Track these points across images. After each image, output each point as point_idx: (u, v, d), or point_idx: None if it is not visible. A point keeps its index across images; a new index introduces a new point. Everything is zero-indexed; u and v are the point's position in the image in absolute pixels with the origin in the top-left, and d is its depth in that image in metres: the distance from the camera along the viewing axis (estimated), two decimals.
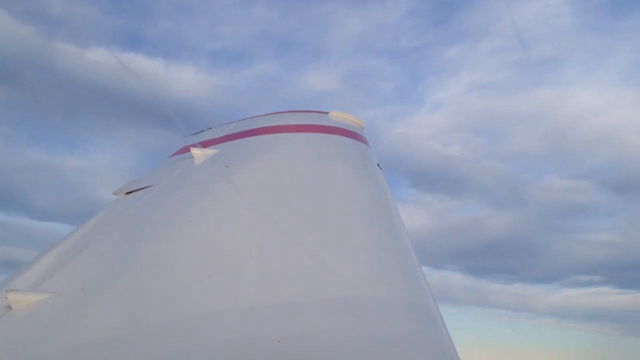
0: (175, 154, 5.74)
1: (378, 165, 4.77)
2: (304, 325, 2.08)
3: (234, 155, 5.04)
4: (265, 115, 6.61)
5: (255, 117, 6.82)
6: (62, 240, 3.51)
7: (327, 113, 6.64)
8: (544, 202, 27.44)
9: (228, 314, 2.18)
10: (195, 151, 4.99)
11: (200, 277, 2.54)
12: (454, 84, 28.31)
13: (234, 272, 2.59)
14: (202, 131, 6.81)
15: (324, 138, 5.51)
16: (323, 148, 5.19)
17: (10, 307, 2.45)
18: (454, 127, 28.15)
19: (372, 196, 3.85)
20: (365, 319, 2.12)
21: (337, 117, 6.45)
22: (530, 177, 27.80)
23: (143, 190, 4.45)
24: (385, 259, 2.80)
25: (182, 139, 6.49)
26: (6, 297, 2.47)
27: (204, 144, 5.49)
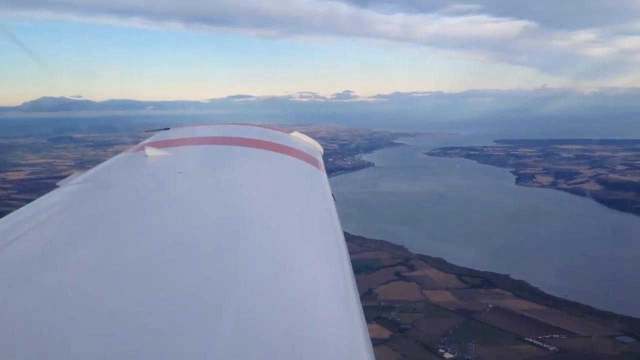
0: (130, 149, 5.56)
1: (333, 196, 4.59)
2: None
3: (189, 162, 5.00)
4: (227, 124, 6.79)
5: (216, 124, 6.91)
6: None
7: (289, 133, 6.61)
8: None
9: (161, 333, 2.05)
10: (150, 150, 4.81)
11: (134, 287, 2.40)
12: None
13: (169, 285, 2.45)
14: (160, 130, 6.62)
15: (282, 159, 5.42)
16: (279, 169, 5.14)
17: None
18: None
19: (320, 226, 3.65)
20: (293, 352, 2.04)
21: (299, 139, 6.41)
22: None
23: (89, 184, 4.31)
24: (322, 295, 2.63)
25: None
26: None
27: (160, 144, 5.27)
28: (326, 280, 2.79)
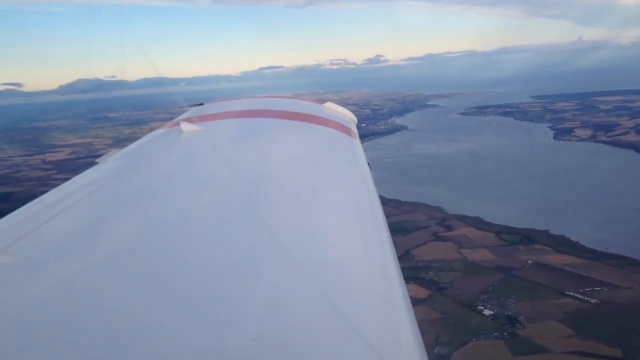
0: (166, 126, 5.66)
1: (368, 163, 4.63)
2: (279, 321, 2.03)
3: (224, 136, 5.01)
4: (261, 97, 6.85)
5: (249, 97, 6.97)
6: (36, 202, 3.43)
7: (322, 104, 6.63)
8: None
9: (200, 303, 2.10)
10: (186, 126, 4.85)
11: (175, 261, 2.44)
12: None
13: (209, 257, 2.50)
14: (194, 106, 6.70)
15: (316, 129, 5.48)
16: (314, 139, 5.18)
17: None
18: None
19: (356, 193, 3.73)
20: (334, 315, 2.07)
21: (332, 109, 6.43)
22: None
23: (127, 160, 4.41)
24: (361, 259, 2.69)
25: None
26: None
27: (195, 120, 5.33)
28: (364, 246, 2.84)
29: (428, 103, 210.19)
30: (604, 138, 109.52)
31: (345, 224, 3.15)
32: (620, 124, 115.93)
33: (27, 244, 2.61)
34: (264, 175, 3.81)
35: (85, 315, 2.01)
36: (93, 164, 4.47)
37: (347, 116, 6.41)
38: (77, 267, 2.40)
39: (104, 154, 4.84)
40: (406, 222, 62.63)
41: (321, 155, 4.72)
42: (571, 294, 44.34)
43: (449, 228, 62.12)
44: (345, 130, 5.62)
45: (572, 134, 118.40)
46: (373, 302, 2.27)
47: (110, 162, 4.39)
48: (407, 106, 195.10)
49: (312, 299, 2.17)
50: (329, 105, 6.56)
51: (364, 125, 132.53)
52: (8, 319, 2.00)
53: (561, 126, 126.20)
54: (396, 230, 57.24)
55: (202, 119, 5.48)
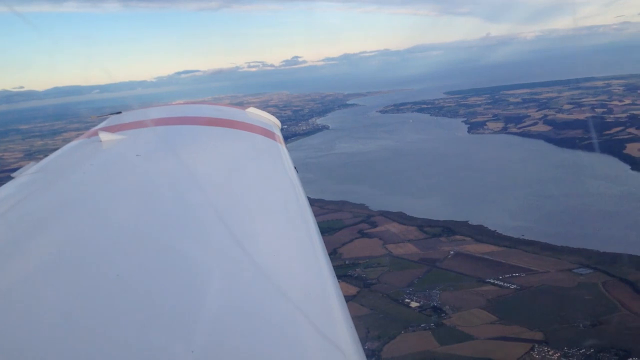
0: (83, 135, 5.44)
1: (294, 167, 4.63)
2: (219, 330, 2.00)
3: (146, 144, 4.83)
4: (182, 104, 6.74)
5: (170, 104, 6.91)
6: None
7: (244, 109, 6.55)
8: None
9: (136, 315, 2.02)
10: (104, 135, 4.67)
11: (103, 274, 2.35)
12: None
13: (139, 268, 2.41)
14: (111, 114, 6.47)
15: (240, 135, 5.41)
16: (239, 145, 5.10)
17: None
18: None
19: (286, 197, 3.70)
20: (271, 319, 2.08)
21: (255, 114, 6.38)
22: None
23: (45, 173, 4.22)
24: (294, 260, 2.68)
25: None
26: None
27: (113, 129, 5.14)
28: (298, 248, 2.85)
29: (347, 102, 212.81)
30: (514, 130, 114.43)
31: (277, 228, 3.14)
32: (529, 116, 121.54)
33: None
34: (192, 183, 3.72)
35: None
36: (9, 178, 4.25)
37: (271, 121, 6.37)
38: (4, 281, 2.32)
39: (16, 168, 4.64)
40: (332, 220, 63.41)
41: (248, 161, 4.66)
42: (492, 281, 46.18)
43: (374, 224, 63.29)
44: (270, 134, 5.58)
45: (485, 127, 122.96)
46: (311, 301, 2.28)
47: (29, 176, 4.17)
48: (327, 106, 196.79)
49: (257, 300, 2.19)
50: (252, 110, 6.50)
51: (286, 127, 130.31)
52: None
53: (474, 120, 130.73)
54: (323, 229, 57.06)
55: (121, 127, 5.30)
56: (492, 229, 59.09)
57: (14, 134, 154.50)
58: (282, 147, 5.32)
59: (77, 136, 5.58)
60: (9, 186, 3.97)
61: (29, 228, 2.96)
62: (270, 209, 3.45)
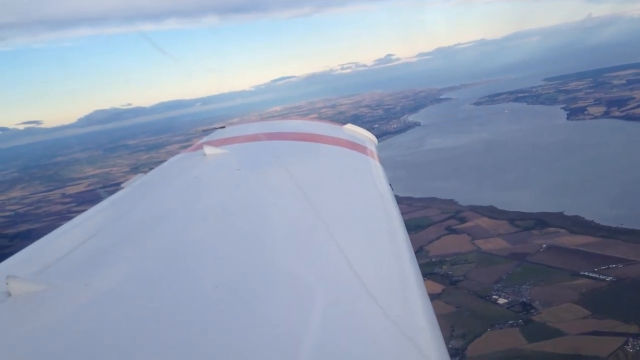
0: (188, 149, 5.80)
1: (390, 185, 4.59)
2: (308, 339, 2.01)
3: (247, 158, 5.12)
4: (281, 120, 7.07)
5: (269, 121, 7.40)
6: (66, 226, 3.53)
7: (342, 125, 6.77)
8: None
9: (237, 322, 2.11)
10: (209, 149, 4.97)
11: (205, 284, 2.46)
12: None
13: (238, 278, 2.51)
14: (216, 129, 6.95)
15: (334, 150, 5.60)
16: (332, 160, 5.28)
17: (9, 294, 2.36)
18: None
19: (378, 214, 3.71)
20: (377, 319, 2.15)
21: (351, 130, 6.56)
22: None
23: (153, 184, 4.55)
24: (380, 266, 2.74)
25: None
26: (7, 284, 2.39)
27: (217, 143, 5.43)
28: (385, 257, 2.90)
29: (440, 97, 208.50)
30: (617, 113, 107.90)
31: (367, 236, 3.24)
32: (634, 97, 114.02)
33: (62, 268, 2.73)
34: (289, 197, 3.86)
35: (114, 340, 2.06)
36: (115, 190, 4.59)
37: (367, 137, 6.51)
38: (110, 293, 2.45)
39: (123, 182, 4.97)
40: (419, 218, 62.54)
41: (340, 176, 4.78)
42: (586, 274, 43.87)
43: (463, 220, 61.86)
44: (362, 149, 5.69)
45: (585, 112, 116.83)
46: (395, 302, 2.36)
47: (135, 187, 4.52)
48: (419, 102, 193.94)
49: (347, 303, 2.31)
50: (349, 126, 6.71)
51: (377, 126, 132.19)
52: (43, 344, 2.08)
53: (574, 106, 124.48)
54: (410, 227, 55.29)
55: (224, 142, 5.65)
56: (589, 219, 55.95)
57: (122, 150, 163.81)
58: (376, 164, 5.29)
59: (180, 149, 5.97)
60: (117, 196, 4.33)
61: (134, 235, 3.22)
62: (362, 219, 3.56)
